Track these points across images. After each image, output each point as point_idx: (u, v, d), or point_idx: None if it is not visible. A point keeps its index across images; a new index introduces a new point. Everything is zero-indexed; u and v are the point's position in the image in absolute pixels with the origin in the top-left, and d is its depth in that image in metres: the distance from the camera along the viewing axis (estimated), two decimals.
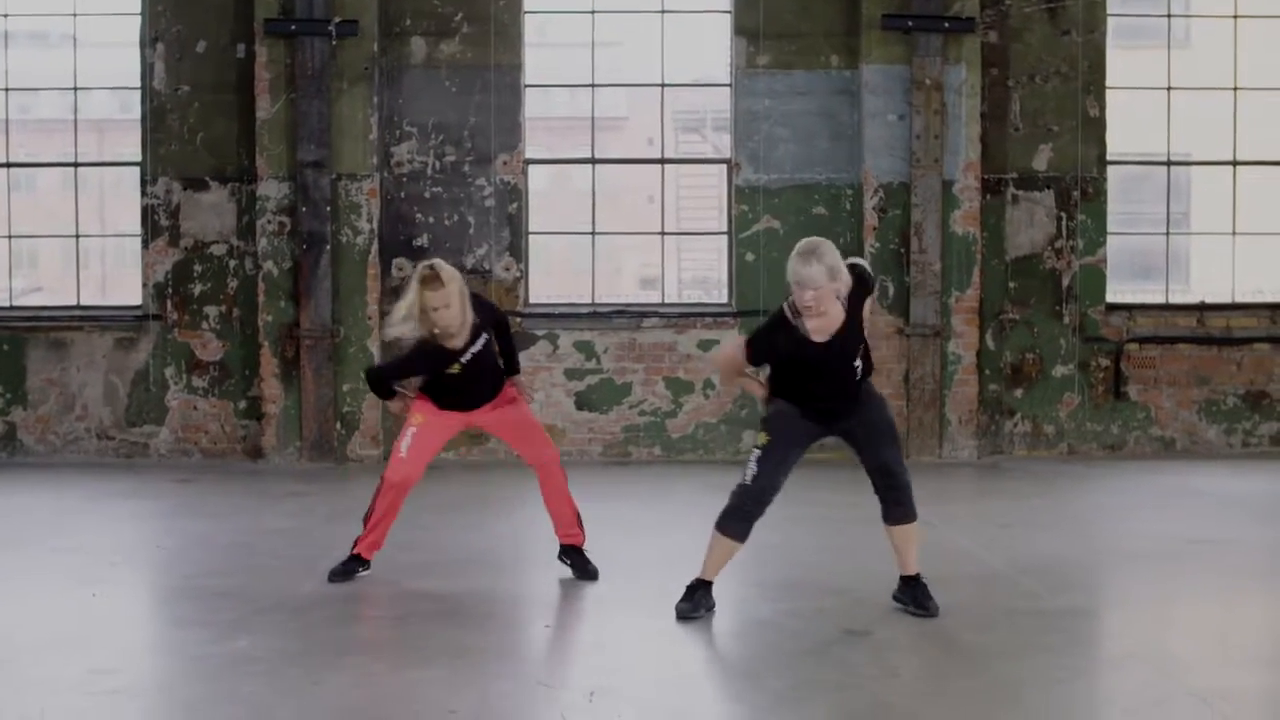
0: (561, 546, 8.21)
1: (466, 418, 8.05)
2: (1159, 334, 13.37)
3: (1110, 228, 13.53)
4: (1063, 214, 13.25)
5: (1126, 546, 9.32)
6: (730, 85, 13.34)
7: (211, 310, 13.15)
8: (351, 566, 8.07)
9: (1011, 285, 13.25)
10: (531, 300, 13.33)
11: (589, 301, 13.51)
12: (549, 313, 13.31)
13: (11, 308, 13.77)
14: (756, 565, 8.78)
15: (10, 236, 13.87)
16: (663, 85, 13.70)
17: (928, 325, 12.83)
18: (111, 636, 7.02)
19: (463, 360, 7.79)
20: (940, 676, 6.29)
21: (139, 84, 13.22)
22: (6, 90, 13.56)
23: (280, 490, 11.48)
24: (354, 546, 8.12)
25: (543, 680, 6.25)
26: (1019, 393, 13.29)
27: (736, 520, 7.19)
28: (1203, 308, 13.62)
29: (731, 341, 7.35)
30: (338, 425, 12.86)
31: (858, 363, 7.12)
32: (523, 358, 12.93)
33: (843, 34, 13.07)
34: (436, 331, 7.70)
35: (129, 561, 9.02)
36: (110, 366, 13.21)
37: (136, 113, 13.45)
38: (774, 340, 7.12)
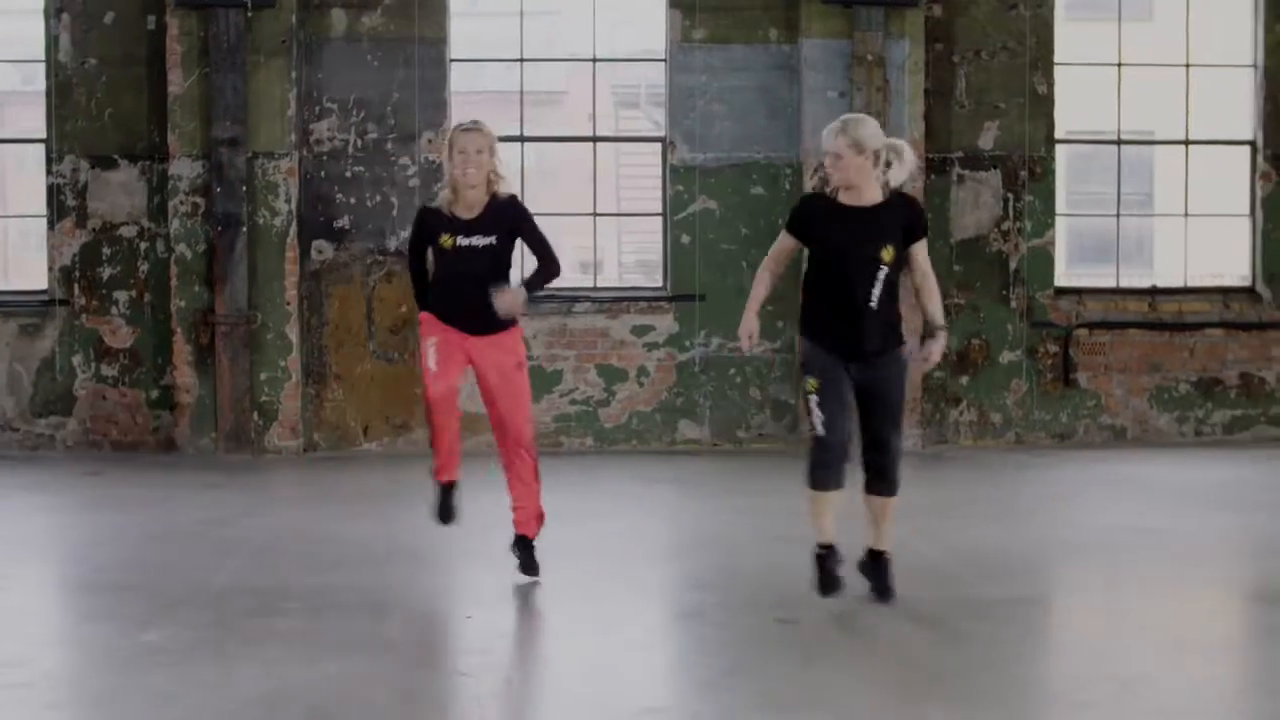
0: (514, 536, 8.20)
1: (466, 342, 7.95)
2: (1109, 319, 13.74)
3: (1061, 209, 13.88)
4: (1010, 194, 13.59)
5: (1069, 536, 9.66)
6: (666, 60, 13.61)
7: (121, 295, 13.31)
8: (449, 498, 8.21)
9: (957, 268, 13.58)
10: None
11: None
12: None
13: None
14: (690, 555, 9.09)
15: None
16: (594, 60, 13.96)
17: None
18: (18, 629, 7.23)
19: (461, 241, 7.86)
20: (864, 664, 6.60)
21: (43, 56, 13.35)
22: None
23: (195, 482, 11.68)
24: (435, 476, 8.21)
25: (462, 670, 6.51)
26: (965, 380, 13.63)
27: (829, 470, 7.45)
28: (1154, 292, 14.01)
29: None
30: (255, 415, 13.07)
31: (883, 276, 7.32)
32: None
33: (782, 7, 13.36)
34: (455, 188, 7.84)
35: (35, 555, 9.22)
36: (14, 354, 13.35)
37: (39, 86, 13.59)
38: (811, 204, 7.61)
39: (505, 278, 7.98)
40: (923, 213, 7.64)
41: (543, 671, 6.46)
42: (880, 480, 7.62)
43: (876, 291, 7.35)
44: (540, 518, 8.18)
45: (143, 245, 13.31)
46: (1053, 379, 13.71)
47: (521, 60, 13.85)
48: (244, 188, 12.93)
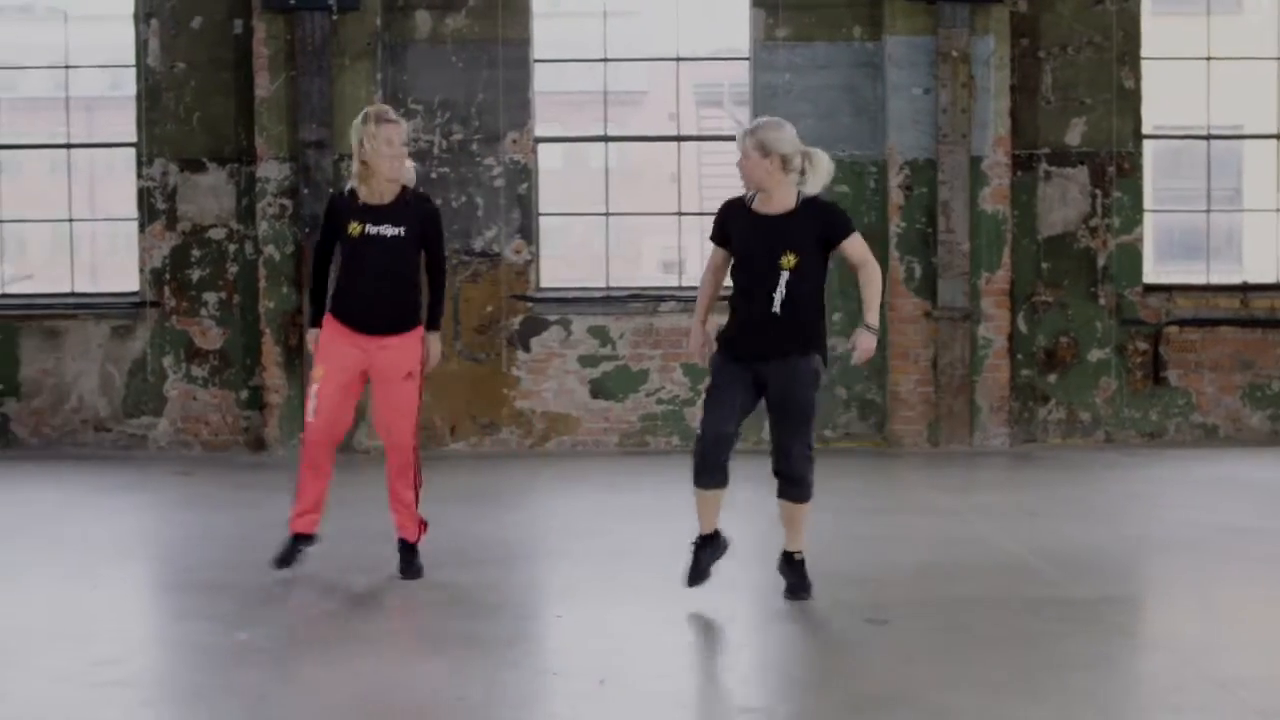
0: (398, 540, 8.31)
1: (361, 348, 7.97)
2: (1200, 316, 13.59)
3: (1149, 204, 13.74)
4: (1097, 191, 13.47)
5: (1159, 535, 9.58)
6: (749, 58, 13.59)
7: (211, 297, 13.45)
8: (291, 548, 8.19)
9: (1044, 266, 13.48)
10: (543, 284, 13.62)
11: (603, 285, 13.78)
12: (562, 297, 13.59)
13: (3, 296, 14.09)
14: (775, 554, 9.06)
15: (1, 221, 14.18)
16: (678, 59, 13.97)
17: (956, 308, 13.08)
18: (113, 628, 7.33)
19: (370, 229, 7.89)
20: (956, 664, 6.56)
21: (133, 61, 13.52)
22: None
23: (284, 482, 11.70)
24: (291, 525, 8.23)
25: (552, 668, 6.53)
26: (1053, 378, 13.53)
27: (702, 471, 7.58)
28: (1246, 288, 13.85)
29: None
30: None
31: (784, 281, 7.36)
32: (535, 344, 13.29)
33: (866, 4, 13.31)
34: (366, 175, 7.89)
35: (129, 554, 9.34)
36: (106, 356, 13.53)
37: (126, 90, 13.76)
38: (728, 210, 7.69)
39: (410, 274, 8.02)
40: (839, 214, 7.61)
41: (635, 671, 6.47)
42: (787, 485, 7.64)
43: (778, 297, 7.39)
44: (421, 524, 8.28)
45: (231, 247, 13.44)
46: (1143, 377, 13.58)
47: (605, 60, 13.88)
48: (331, 189, 13.02)
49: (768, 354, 7.46)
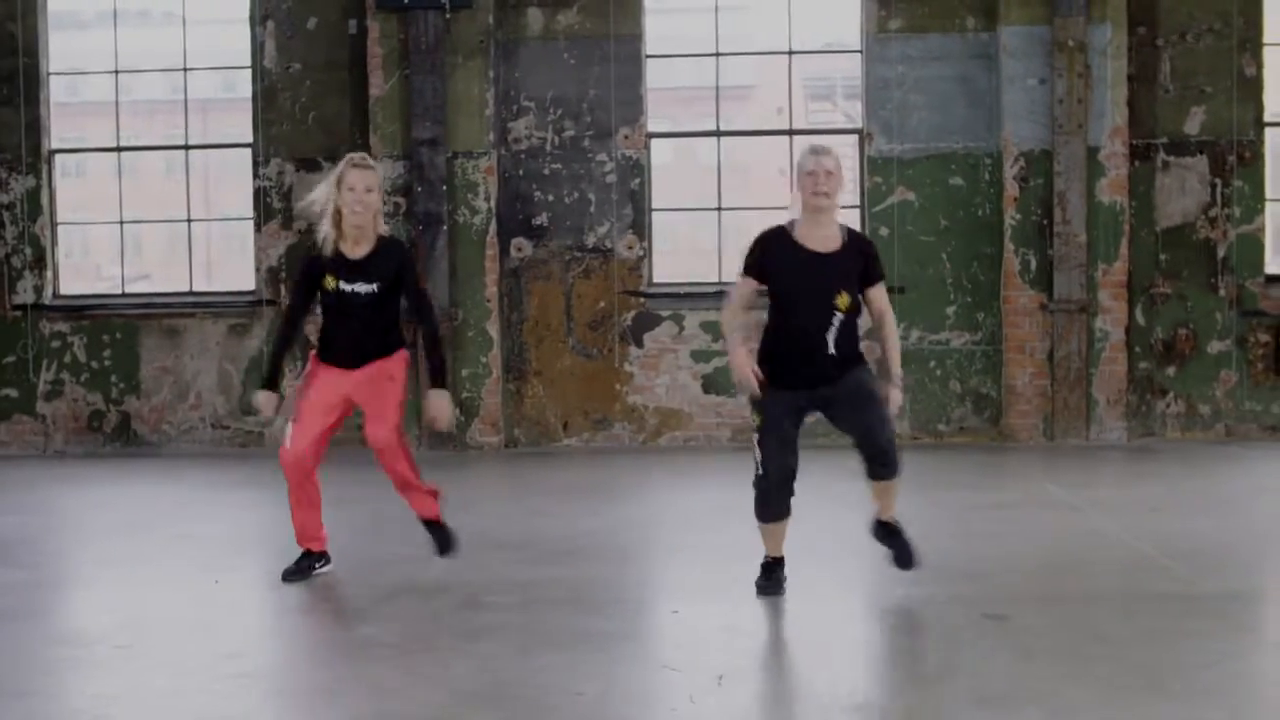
0: (424, 523, 8.46)
1: (345, 380, 8.11)
2: None
3: (1271, 194, 13.53)
4: (1217, 180, 13.29)
5: None
6: (861, 51, 13.54)
7: None
8: (304, 564, 8.31)
9: (1162, 257, 13.32)
10: (656, 280, 13.65)
11: (715, 280, 13.78)
12: (674, 293, 13.61)
13: (124, 295, 14.33)
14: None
15: (122, 222, 14.42)
16: (790, 52, 13.94)
17: (1073, 300, 12.96)
18: (237, 622, 7.46)
19: (344, 286, 7.96)
20: (1078, 660, 6.51)
21: (249, 63, 13.71)
22: (116, 73, 14.14)
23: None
24: (299, 542, 8.37)
25: (670, 664, 6.56)
26: (1171, 371, 13.36)
27: (769, 506, 7.68)
28: None
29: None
30: (457, 411, 13.26)
31: (840, 319, 7.40)
32: (647, 339, 13.33)
33: None
34: (340, 229, 7.94)
35: (249, 550, 9.48)
36: (223, 354, 13.72)
37: (240, 92, 13.96)
38: (767, 243, 7.58)
39: (389, 319, 8.14)
40: (878, 255, 7.68)
41: (751, 667, 6.48)
42: (881, 467, 7.68)
43: (832, 338, 7.44)
44: (434, 495, 8.40)
45: None
46: (1264, 369, 13.37)
47: (717, 55, 13.88)
48: (444, 187, 13.14)
49: (822, 382, 7.50)
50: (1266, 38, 13.33)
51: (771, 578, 7.78)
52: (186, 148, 14.43)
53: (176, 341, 13.75)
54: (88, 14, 15.41)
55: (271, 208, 13.62)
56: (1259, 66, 13.31)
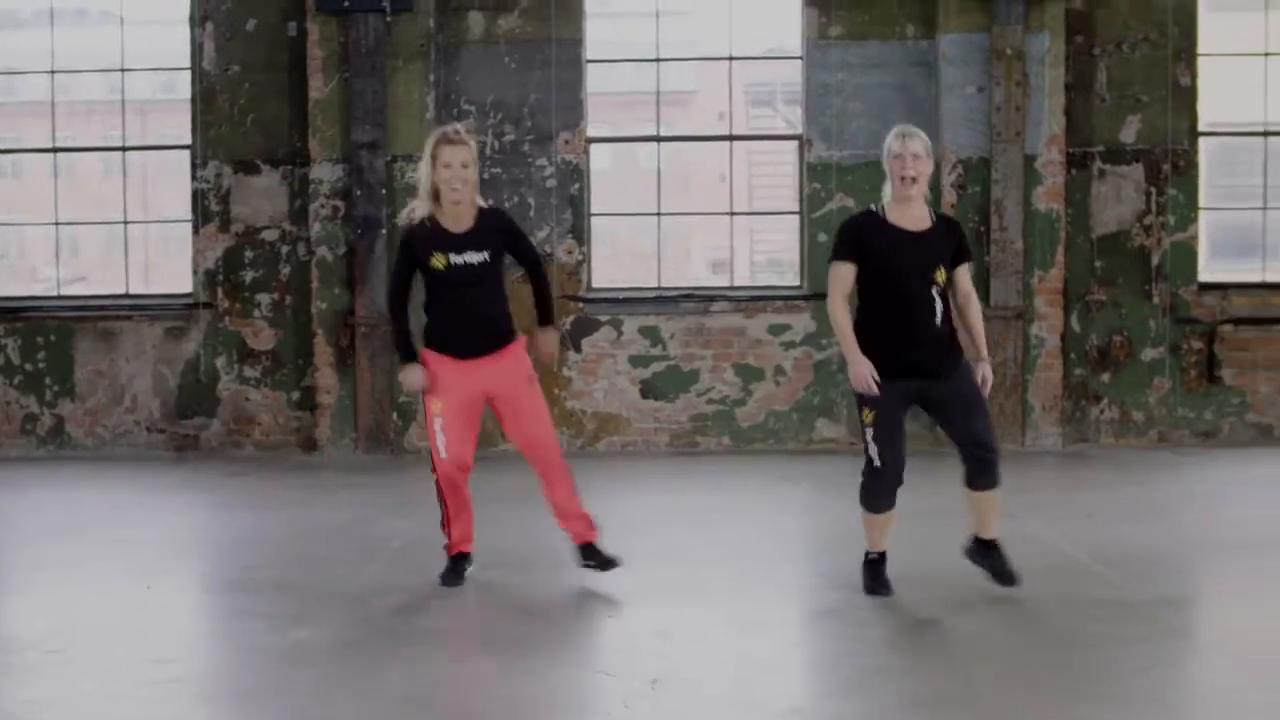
0: (576, 548, 8.23)
1: (473, 372, 7.89)
2: (1255, 315, 13.49)
3: (1204, 202, 13.65)
4: (1152, 189, 13.40)
5: (1217, 536, 9.52)
6: (801, 57, 13.58)
7: (264, 298, 13.53)
8: (459, 568, 8.16)
9: (1098, 264, 13.41)
10: (595, 285, 13.63)
11: (654, 286, 13.79)
12: (613, 298, 13.60)
13: (59, 297, 14.21)
14: (827, 555, 9.06)
15: (58, 224, 14.30)
16: (730, 58, 13.97)
17: (1009, 307, 13.03)
18: (169, 627, 7.41)
19: (454, 259, 7.78)
20: (1009, 665, 6.55)
21: (188, 64, 13.61)
22: (53, 73, 14.03)
23: (336, 483, 11.85)
24: (447, 551, 8.20)
25: (605, 669, 6.55)
26: (1106, 377, 13.45)
27: (878, 497, 7.70)
28: None
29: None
30: (394, 416, 13.22)
31: (939, 293, 7.45)
32: (585, 345, 13.33)
33: (919, 2, 13.27)
34: (439, 205, 7.78)
35: (182, 554, 9.42)
36: (159, 356, 13.62)
37: (179, 93, 13.88)
38: (860, 226, 7.59)
39: (501, 294, 8.00)
40: (965, 235, 7.78)
41: (685, 672, 6.48)
42: (982, 475, 7.69)
43: (939, 314, 7.47)
44: (591, 522, 8.20)
45: (284, 249, 13.52)
46: (1197, 376, 13.49)
47: (658, 60, 13.89)
48: (384, 190, 13.09)
49: (935, 371, 7.51)
50: (1201, 48, 13.44)
51: (879, 577, 7.78)
52: (124, 149, 14.32)
53: (112, 344, 13.64)
54: (24, 13, 15.28)
55: (209, 210, 13.54)
56: (1193, 76, 13.42)
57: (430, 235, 7.83)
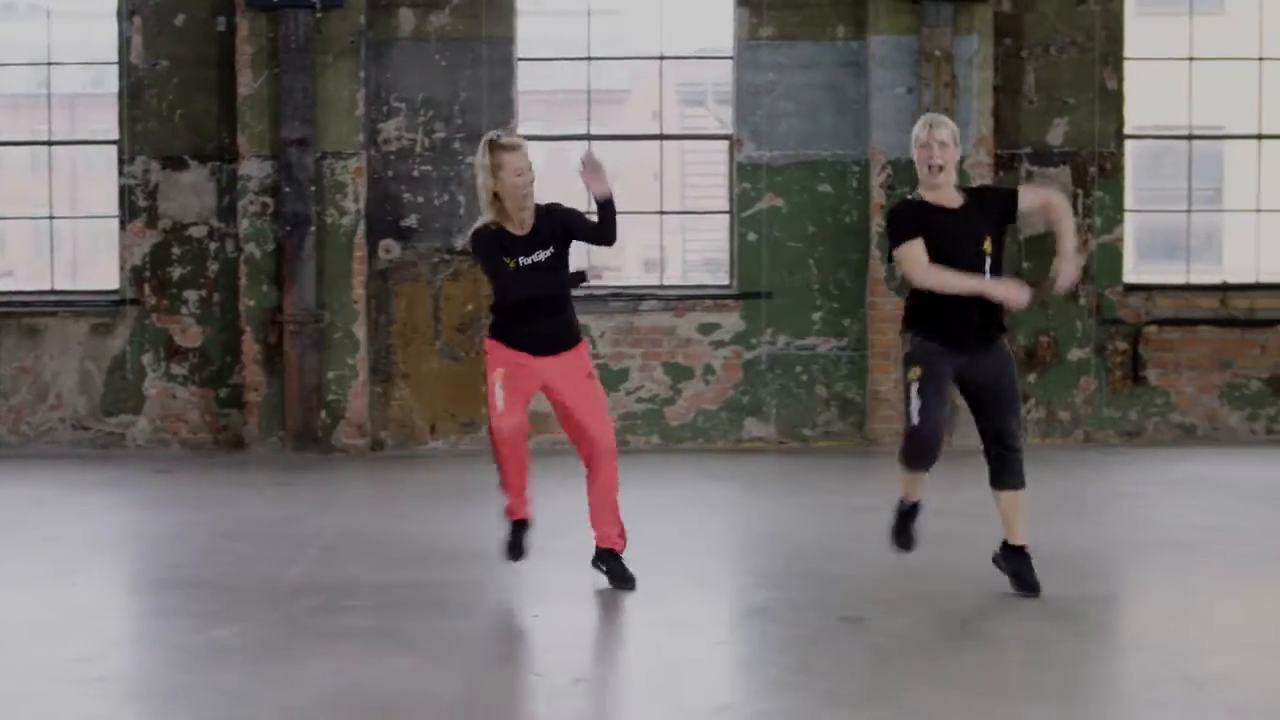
0: (597, 550, 8.09)
1: (534, 366, 7.85)
2: (1180, 316, 13.63)
3: (1130, 205, 13.79)
4: (1079, 190, 13.52)
5: (1140, 535, 9.61)
6: (733, 57, 13.62)
7: (191, 294, 13.44)
8: (519, 536, 8.05)
9: (1025, 265, 13.48)
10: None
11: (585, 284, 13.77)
12: None
13: None
14: (754, 554, 9.10)
15: None
16: (661, 58, 13.99)
17: None
18: (92, 626, 7.34)
19: (523, 260, 7.72)
20: (933, 662, 6.59)
21: (115, 59, 13.51)
22: None
23: (263, 480, 11.79)
24: (506, 516, 8.09)
25: (529, 668, 6.55)
26: (1033, 377, 13.55)
27: (918, 458, 7.61)
28: (1225, 288, 13.90)
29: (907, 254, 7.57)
30: (322, 414, 13.16)
31: (989, 264, 7.46)
32: None
33: (849, 3, 13.33)
34: (505, 212, 7.70)
35: (107, 552, 9.34)
36: (85, 353, 13.50)
37: (108, 88, 13.76)
38: (909, 210, 7.59)
39: (567, 292, 7.92)
40: (1002, 188, 8.05)
41: (612, 669, 6.49)
42: (1007, 473, 7.73)
43: (986, 273, 7.47)
44: (622, 531, 8.08)
45: (212, 245, 13.43)
46: (1122, 376, 13.62)
47: (589, 59, 13.89)
48: (312, 187, 13.03)
49: (980, 342, 7.51)
50: (1127, 52, 13.57)
51: (906, 530, 7.85)
52: (50, 144, 14.20)
53: (37, 341, 13.51)
54: None
55: (137, 206, 13.43)
56: (1120, 80, 13.55)
57: (498, 238, 7.77)
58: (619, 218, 7.87)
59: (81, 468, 12.58)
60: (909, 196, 7.77)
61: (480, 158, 7.71)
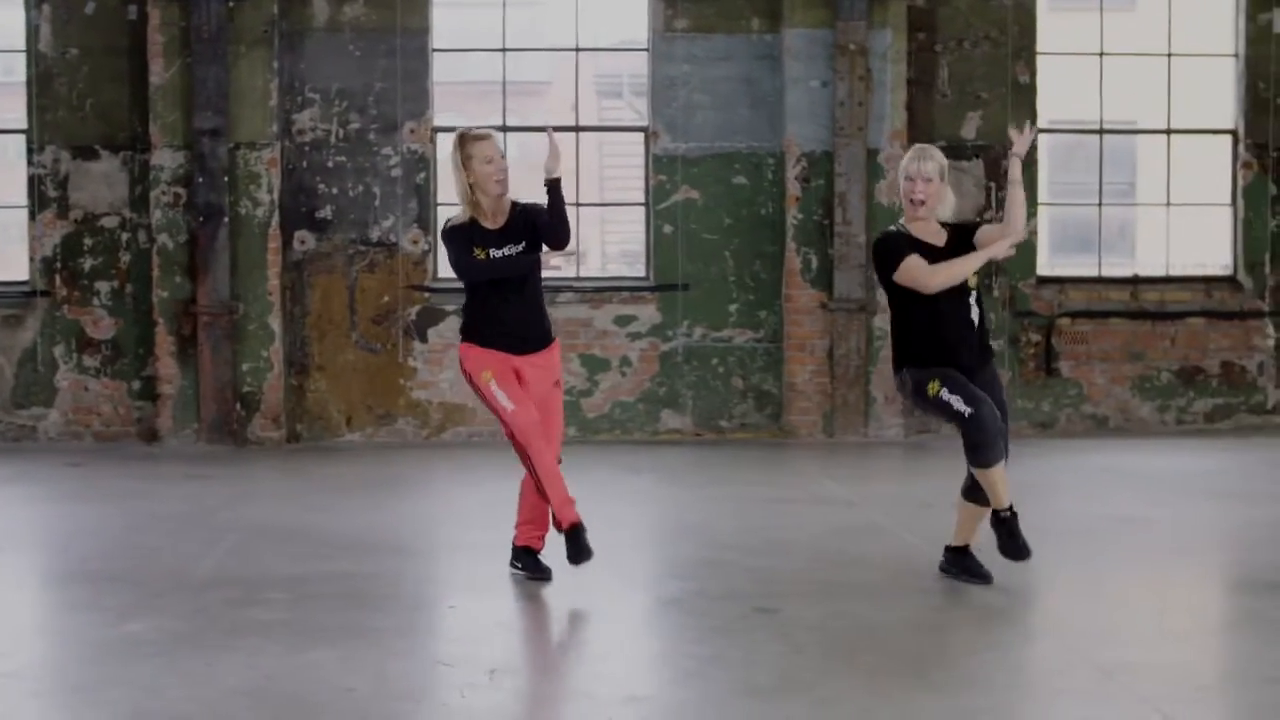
0: (517, 548, 8.00)
1: (514, 363, 7.76)
2: (1091, 308, 13.80)
3: (1043, 198, 13.92)
4: (992, 184, 13.63)
5: (1050, 525, 9.65)
6: (648, 49, 13.63)
7: (103, 286, 13.31)
8: (577, 538, 7.68)
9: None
10: (441, 275, 13.58)
11: None
12: (459, 288, 13.49)
13: None
14: (670, 545, 9.12)
15: None
16: (577, 49, 13.98)
17: (852, 300, 13.19)
18: (1, 621, 7.26)
19: (494, 253, 7.70)
20: (846, 652, 6.63)
21: (24, 46, 13.35)
22: None
23: (177, 473, 11.70)
24: (559, 527, 7.75)
25: (443, 659, 6.54)
26: None
27: (988, 447, 7.46)
28: (1136, 281, 14.08)
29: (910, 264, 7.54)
30: (237, 406, 13.08)
31: (975, 298, 7.57)
32: (432, 334, 13.27)
33: None
34: (479, 207, 7.68)
35: (18, 546, 9.24)
36: None
37: (18, 76, 13.60)
38: (895, 240, 7.60)
39: (539, 286, 7.89)
40: (967, 223, 8.09)
41: (524, 661, 6.49)
42: (981, 491, 7.78)
43: (976, 317, 7.61)
44: (569, 501, 7.80)
45: (124, 236, 13.31)
46: (1035, 368, 13.76)
47: (504, 50, 13.87)
48: (226, 178, 12.94)
49: (974, 361, 7.59)
50: (1040, 46, 13.72)
51: (1017, 535, 7.67)
52: None
53: None
54: None
55: (47, 196, 13.28)
56: (1032, 74, 13.68)
57: (469, 232, 7.74)
58: (570, 222, 7.88)
59: None
60: (893, 228, 7.76)
61: (452, 154, 7.73)
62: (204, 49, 12.85)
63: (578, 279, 14.00)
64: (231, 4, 12.90)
